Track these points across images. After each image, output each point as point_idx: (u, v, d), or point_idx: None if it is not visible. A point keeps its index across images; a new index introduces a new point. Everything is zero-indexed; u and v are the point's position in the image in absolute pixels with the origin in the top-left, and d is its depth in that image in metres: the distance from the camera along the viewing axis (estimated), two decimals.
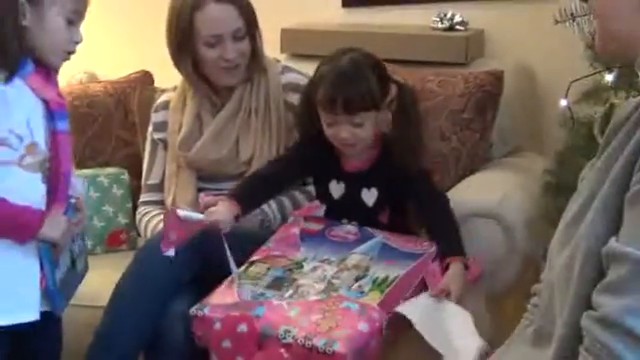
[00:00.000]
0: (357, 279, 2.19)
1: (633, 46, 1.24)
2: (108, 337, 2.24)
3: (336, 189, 2.43)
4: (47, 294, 2.01)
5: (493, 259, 2.37)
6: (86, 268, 2.23)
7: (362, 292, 2.15)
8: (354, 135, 2.31)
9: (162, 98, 2.77)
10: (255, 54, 2.60)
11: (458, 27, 3.00)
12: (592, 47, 2.18)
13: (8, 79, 1.92)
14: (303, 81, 2.62)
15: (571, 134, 2.45)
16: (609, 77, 2.32)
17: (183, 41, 2.52)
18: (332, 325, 2.04)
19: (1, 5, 1.89)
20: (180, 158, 2.63)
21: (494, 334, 2.20)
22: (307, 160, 2.47)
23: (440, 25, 3.02)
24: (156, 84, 3.19)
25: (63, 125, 1.98)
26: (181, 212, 2.20)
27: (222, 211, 2.25)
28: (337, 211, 2.43)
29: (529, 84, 2.98)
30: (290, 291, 2.16)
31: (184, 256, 2.22)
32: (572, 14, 2.32)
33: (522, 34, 3.01)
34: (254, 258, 2.29)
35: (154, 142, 2.74)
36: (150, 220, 2.66)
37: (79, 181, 2.20)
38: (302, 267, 2.25)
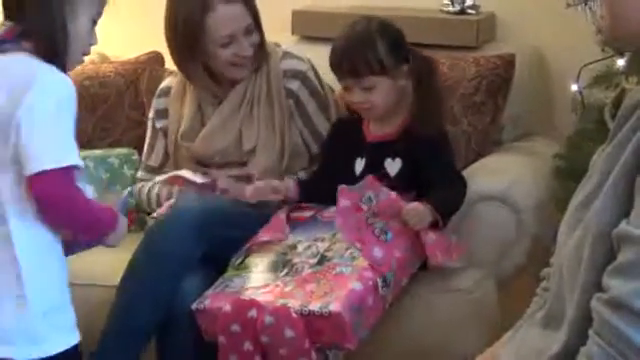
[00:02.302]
0: (349, 247, 2.22)
1: None
2: (122, 316, 2.27)
3: (359, 165, 2.45)
4: None
5: (503, 242, 2.38)
6: None
7: (354, 257, 2.17)
8: (367, 99, 2.35)
9: (164, 83, 2.77)
10: (262, 44, 2.60)
11: (469, 10, 3.00)
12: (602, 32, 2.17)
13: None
14: (302, 66, 2.63)
15: (582, 119, 2.45)
16: (620, 62, 2.31)
17: (193, 43, 2.50)
18: (327, 290, 2.08)
19: (53, 5, 1.86)
20: (182, 149, 2.63)
21: (503, 317, 2.22)
22: (338, 146, 2.50)
23: (451, 8, 3.01)
24: (166, 65, 3.18)
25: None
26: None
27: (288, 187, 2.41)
28: None
29: (540, 68, 2.97)
30: (285, 270, 2.20)
31: (194, 234, 2.24)
32: None
33: (534, 17, 3.00)
34: (249, 247, 2.32)
35: (154, 130, 2.73)
36: (152, 187, 2.66)
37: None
38: (296, 248, 2.29)
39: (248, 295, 2.15)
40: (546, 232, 2.30)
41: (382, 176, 2.37)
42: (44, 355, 1.87)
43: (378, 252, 2.19)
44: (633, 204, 1.17)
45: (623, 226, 1.16)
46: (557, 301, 1.32)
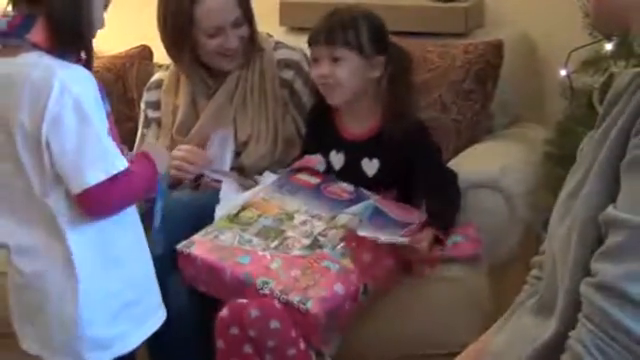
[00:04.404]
0: (342, 239, 2.21)
1: (626, 17, 1.24)
2: None
3: (337, 160, 2.44)
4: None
5: (494, 229, 2.38)
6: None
7: (344, 254, 2.17)
8: (332, 72, 2.32)
9: (155, 77, 2.77)
10: (252, 37, 2.59)
11: None
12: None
13: (86, 65, 1.87)
14: (295, 56, 2.64)
15: (571, 104, 2.45)
16: (609, 46, 2.31)
17: (182, 33, 2.51)
18: (310, 283, 2.08)
19: None
20: (177, 142, 2.62)
21: (495, 304, 2.22)
22: (315, 137, 2.49)
23: None
24: (155, 59, 3.17)
25: (107, 107, 1.92)
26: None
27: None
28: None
29: (529, 54, 2.97)
30: (276, 242, 2.20)
31: (180, 215, 2.24)
32: None
33: (522, 3, 3.00)
34: (247, 203, 2.31)
35: (147, 119, 2.73)
36: None
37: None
38: (292, 219, 2.28)
39: (234, 258, 2.15)
40: (537, 218, 2.31)
41: (359, 177, 2.39)
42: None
43: (367, 257, 2.19)
44: (619, 188, 1.17)
45: (610, 210, 1.16)
46: (549, 289, 1.32)
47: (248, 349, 2.10)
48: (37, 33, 1.80)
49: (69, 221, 1.85)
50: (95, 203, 1.82)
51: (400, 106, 2.35)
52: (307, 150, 2.51)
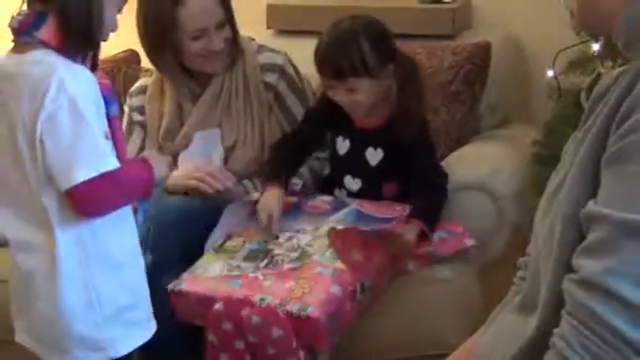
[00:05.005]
0: (330, 243, 2.21)
1: (609, 20, 1.25)
2: None
3: (342, 145, 2.45)
4: None
5: (483, 230, 2.38)
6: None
7: (335, 257, 2.18)
8: (350, 100, 2.35)
9: (138, 83, 2.75)
10: (235, 38, 2.58)
11: None
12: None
13: (92, 66, 1.88)
14: (279, 59, 2.62)
15: (558, 104, 2.45)
16: (595, 46, 2.31)
17: (164, 37, 2.48)
18: (306, 290, 2.08)
19: None
20: (164, 148, 2.62)
21: (484, 305, 2.22)
22: (323, 118, 2.48)
23: None
24: (143, 63, 3.17)
25: (115, 109, 1.94)
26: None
27: (273, 202, 2.33)
28: (342, 167, 2.46)
29: (517, 55, 2.97)
30: (265, 261, 2.21)
31: (173, 229, 2.23)
32: None
33: (509, 5, 3.01)
34: (231, 233, 2.33)
35: (132, 123, 2.71)
36: None
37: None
38: (277, 238, 2.29)
39: (225, 285, 2.15)
40: (526, 219, 2.30)
41: (362, 164, 2.40)
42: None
43: (357, 255, 2.19)
44: (600, 183, 1.17)
45: (591, 206, 1.17)
46: (533, 287, 1.33)
47: (240, 345, 2.09)
48: (47, 31, 1.82)
49: (60, 220, 1.85)
50: (83, 200, 1.82)
51: (411, 107, 2.35)
52: (310, 129, 2.50)
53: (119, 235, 1.93)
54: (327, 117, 2.47)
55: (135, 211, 2.04)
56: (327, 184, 2.51)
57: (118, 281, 1.92)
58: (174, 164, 2.59)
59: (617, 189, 1.14)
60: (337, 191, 2.47)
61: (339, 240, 2.20)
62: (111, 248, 1.91)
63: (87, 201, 1.83)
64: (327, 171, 2.54)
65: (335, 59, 2.30)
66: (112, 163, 1.83)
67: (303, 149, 2.52)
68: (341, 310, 2.10)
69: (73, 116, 1.78)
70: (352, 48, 2.29)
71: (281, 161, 2.46)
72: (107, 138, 1.86)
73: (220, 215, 2.39)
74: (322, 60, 2.33)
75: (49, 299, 1.88)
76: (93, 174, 1.79)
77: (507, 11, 3.01)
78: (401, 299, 2.31)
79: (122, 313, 1.93)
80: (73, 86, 1.79)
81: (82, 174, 1.79)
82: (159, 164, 2.04)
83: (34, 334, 1.95)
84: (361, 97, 2.33)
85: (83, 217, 1.85)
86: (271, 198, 2.35)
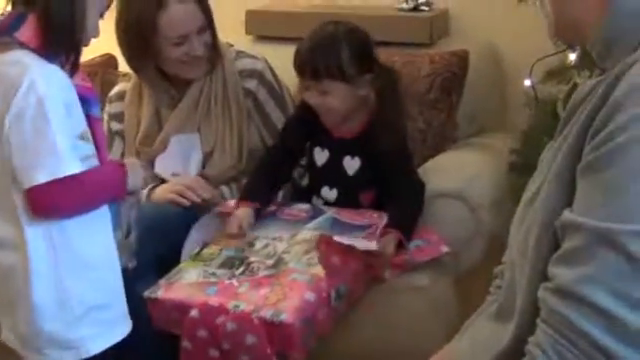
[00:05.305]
0: (307, 252, 2.22)
1: (583, 29, 1.26)
2: None
3: (320, 156, 2.46)
4: None
5: (459, 239, 2.38)
6: (134, 254, 2.20)
7: (310, 264, 2.18)
8: (323, 103, 2.35)
9: (116, 88, 2.74)
10: (215, 43, 2.58)
11: (423, 7, 3.01)
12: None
13: (71, 69, 1.88)
14: (258, 65, 2.62)
15: (535, 113, 2.46)
16: (572, 56, 2.32)
17: (145, 43, 2.47)
18: (280, 297, 2.08)
19: None
20: (141, 154, 2.61)
21: (461, 313, 2.22)
22: (301, 130, 2.48)
23: (405, 5, 3.02)
24: (120, 68, 3.16)
25: (96, 111, 1.94)
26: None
27: (244, 216, 2.33)
28: (319, 178, 2.46)
29: (494, 64, 2.98)
30: (241, 268, 2.21)
31: (147, 236, 2.22)
32: None
33: (486, 13, 3.02)
34: (207, 241, 2.34)
35: (111, 133, 2.70)
36: None
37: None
38: (254, 245, 2.29)
39: (201, 293, 2.14)
40: (502, 227, 2.31)
41: (340, 174, 2.40)
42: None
43: (336, 260, 2.18)
44: (575, 192, 1.18)
45: (566, 214, 1.17)
46: (508, 295, 1.34)
47: (214, 353, 2.08)
48: (26, 32, 1.83)
49: (27, 218, 1.86)
50: (39, 203, 1.83)
51: (388, 119, 2.36)
52: (290, 142, 2.50)
53: (91, 234, 1.92)
54: (305, 128, 2.47)
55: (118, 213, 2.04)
56: (304, 194, 2.51)
57: (89, 280, 1.91)
58: (151, 169, 2.58)
59: (592, 198, 1.14)
60: (315, 199, 2.47)
61: (324, 245, 2.20)
62: (82, 247, 1.90)
63: (44, 204, 1.83)
64: (306, 182, 2.53)
65: (313, 60, 2.32)
66: (72, 168, 1.83)
67: (284, 167, 2.51)
68: (315, 316, 2.10)
69: (38, 117, 1.79)
70: (331, 51, 2.31)
71: (258, 186, 2.45)
72: (84, 139, 1.87)
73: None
74: (301, 60, 2.35)
75: (25, 297, 1.88)
76: (48, 178, 1.80)
77: (484, 20, 3.02)
78: (377, 307, 2.31)
79: (93, 312, 1.92)
80: (43, 87, 1.79)
81: (42, 176, 1.80)
82: (136, 171, 2.04)
83: (16, 333, 1.94)
84: (334, 102, 2.34)
85: (41, 217, 1.85)
86: (242, 214, 2.36)
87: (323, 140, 2.46)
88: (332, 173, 2.44)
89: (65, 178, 1.81)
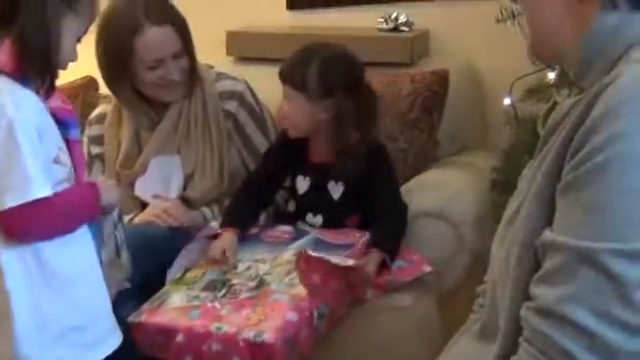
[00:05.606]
0: (289, 272, 2.22)
1: (561, 50, 1.27)
2: None
3: (302, 184, 2.46)
4: None
5: (442, 258, 2.38)
6: (129, 273, 2.19)
7: (292, 284, 2.17)
8: (283, 108, 2.39)
9: (96, 111, 2.74)
10: (193, 68, 2.58)
11: (403, 28, 3.02)
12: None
13: (47, 92, 1.88)
14: (238, 87, 2.63)
15: (516, 132, 2.47)
16: (551, 75, 2.33)
17: (122, 66, 2.48)
18: (261, 318, 2.08)
19: (50, 12, 1.82)
20: (122, 176, 2.60)
21: (444, 332, 2.22)
22: (282, 157, 2.49)
23: (385, 26, 3.04)
24: (101, 90, 3.15)
25: (75, 133, 1.94)
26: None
27: (226, 242, 2.34)
28: (303, 206, 2.46)
29: (474, 83, 3.00)
30: (223, 290, 2.20)
31: (133, 257, 2.22)
32: (513, 13, 2.34)
33: (466, 33, 3.04)
34: (189, 266, 2.33)
35: (90, 156, 2.69)
36: None
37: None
38: (236, 268, 2.29)
39: (185, 317, 2.14)
40: (485, 246, 2.31)
41: (325, 199, 2.41)
42: None
43: (316, 278, 2.18)
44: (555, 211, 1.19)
45: (547, 234, 1.18)
46: (491, 315, 1.34)
47: None
48: (1, 56, 1.82)
49: (2, 242, 1.84)
50: (10, 227, 1.82)
51: (347, 146, 2.37)
52: (271, 167, 2.50)
53: (67, 255, 1.90)
54: (285, 156, 2.48)
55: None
56: (289, 218, 2.51)
57: (64, 301, 1.89)
58: (132, 191, 2.58)
59: (572, 217, 1.15)
60: (300, 224, 2.46)
61: (303, 262, 2.20)
62: (58, 268, 1.88)
63: (15, 228, 1.82)
64: (292, 207, 2.52)
65: (285, 63, 2.38)
66: (42, 192, 1.82)
67: (266, 191, 2.52)
68: (298, 336, 2.09)
69: (7, 140, 1.78)
70: (301, 63, 2.36)
71: (241, 211, 2.45)
72: (58, 163, 1.86)
73: (180, 246, 2.38)
74: (281, 66, 2.40)
75: (6, 321, 1.86)
76: (17, 202, 1.79)
77: (464, 40, 3.04)
78: (360, 327, 2.30)
79: (69, 334, 1.90)
80: (13, 111, 1.79)
81: (10, 200, 1.79)
82: (109, 188, 2.03)
83: (4, 353, 1.92)
84: (291, 111, 2.37)
85: (13, 240, 1.83)
86: (226, 239, 2.36)
87: (303, 167, 2.46)
88: (316, 200, 2.44)
89: (35, 201, 1.80)
